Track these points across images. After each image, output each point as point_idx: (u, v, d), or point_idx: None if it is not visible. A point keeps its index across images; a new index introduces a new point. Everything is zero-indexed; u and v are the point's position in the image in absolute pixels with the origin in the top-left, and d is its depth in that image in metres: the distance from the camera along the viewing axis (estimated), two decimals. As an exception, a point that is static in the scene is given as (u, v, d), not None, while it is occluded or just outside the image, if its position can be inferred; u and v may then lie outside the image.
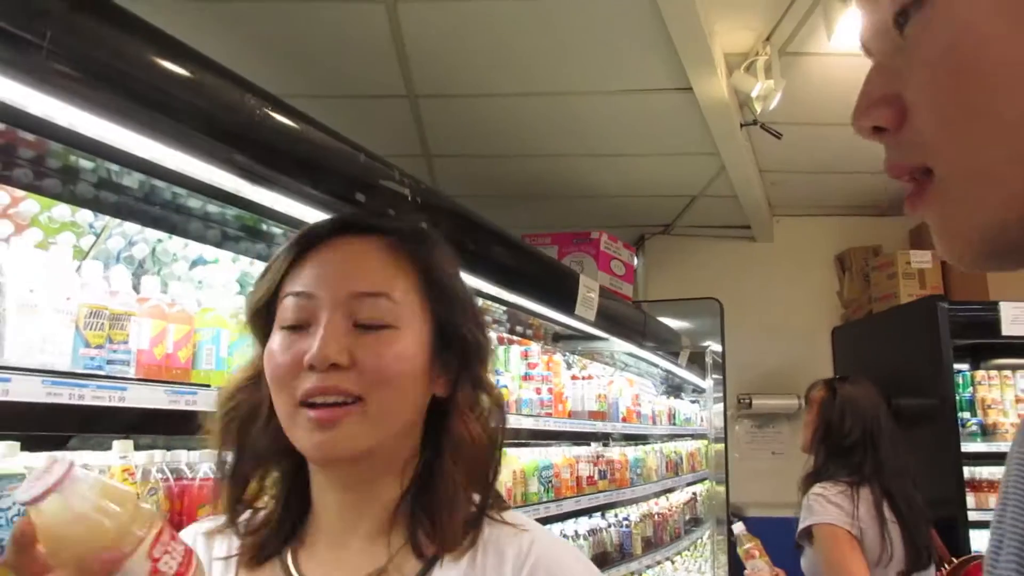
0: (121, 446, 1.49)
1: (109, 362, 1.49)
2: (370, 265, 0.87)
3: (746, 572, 2.66)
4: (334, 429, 0.80)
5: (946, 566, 2.79)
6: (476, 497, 0.89)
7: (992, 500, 3.96)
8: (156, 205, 1.88)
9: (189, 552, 0.70)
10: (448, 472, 0.86)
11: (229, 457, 0.90)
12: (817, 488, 2.51)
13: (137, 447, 1.55)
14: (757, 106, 3.03)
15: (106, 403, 1.40)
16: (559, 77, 3.19)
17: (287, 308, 0.85)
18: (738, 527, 2.73)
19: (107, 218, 1.92)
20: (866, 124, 0.50)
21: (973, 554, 2.94)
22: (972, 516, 3.84)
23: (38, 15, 1.15)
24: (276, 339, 0.85)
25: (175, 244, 2.11)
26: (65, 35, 1.19)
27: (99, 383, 1.40)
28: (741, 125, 3.50)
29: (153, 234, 2.04)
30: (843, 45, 3.04)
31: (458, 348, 0.90)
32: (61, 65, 1.21)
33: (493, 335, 3.83)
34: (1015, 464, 0.58)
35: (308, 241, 0.88)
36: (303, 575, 0.87)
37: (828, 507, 2.44)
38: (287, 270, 0.87)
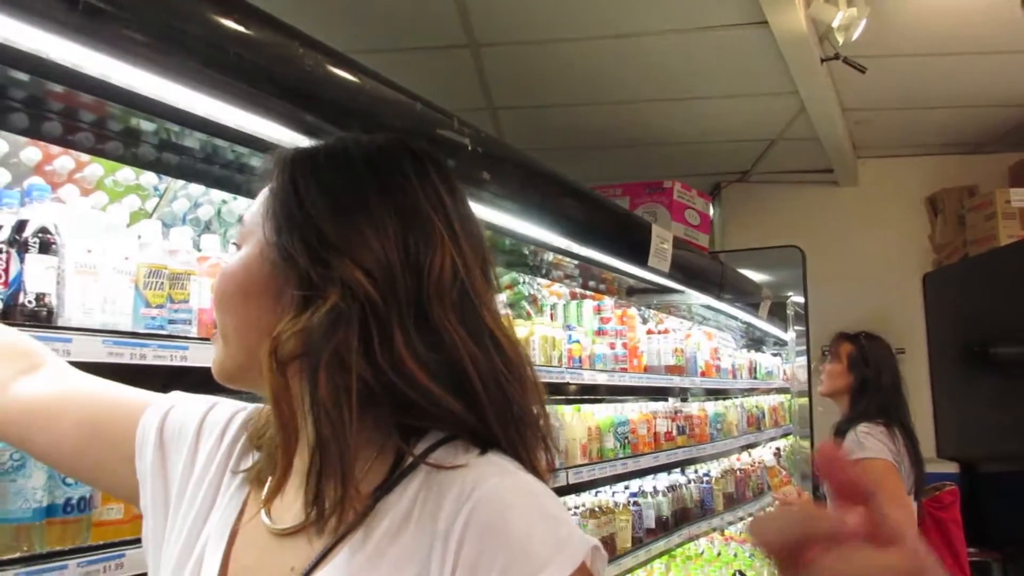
0: (187, 406, 1.49)
1: (171, 322, 1.48)
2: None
3: (777, 496, 3.20)
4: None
5: None
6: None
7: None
8: (218, 165, 1.86)
9: None
10: (314, 427, 0.76)
11: None
12: (863, 427, 2.87)
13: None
14: (839, 37, 2.84)
15: (168, 362, 1.40)
16: (624, 17, 3.05)
17: None
18: (768, 459, 3.29)
19: (171, 180, 1.93)
20: None
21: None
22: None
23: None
24: None
25: (240, 205, 2.10)
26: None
27: (160, 342, 1.39)
28: (822, 60, 3.31)
29: (218, 195, 2.04)
30: (935, -35, 2.81)
31: (292, 270, 0.79)
32: (125, 29, 1.20)
33: (565, 290, 3.78)
34: None
35: None
36: (271, 509, 0.83)
37: (877, 444, 2.81)
38: None
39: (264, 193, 0.85)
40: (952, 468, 4.41)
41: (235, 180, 1.91)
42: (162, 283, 1.47)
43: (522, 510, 0.72)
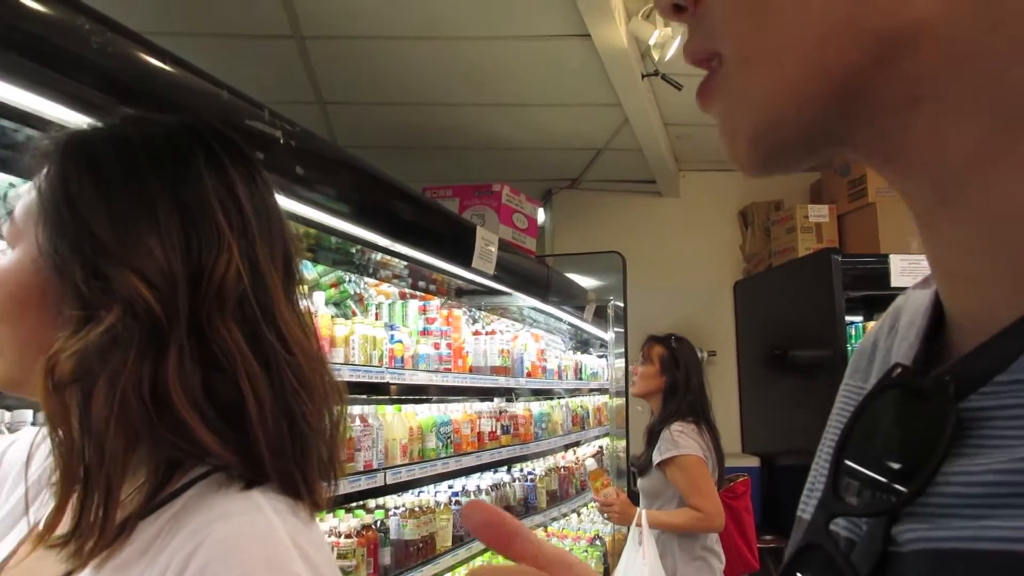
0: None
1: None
2: None
3: (599, 499, 3.19)
4: None
5: None
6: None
7: (878, 446, 4.13)
8: (2, 147, 1.71)
9: None
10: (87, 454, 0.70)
11: None
12: (677, 426, 3.07)
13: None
14: (655, 54, 2.98)
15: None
16: (448, 20, 3.06)
17: None
18: (590, 463, 3.44)
19: (-59, 160, 1.75)
20: (665, 1, 0.44)
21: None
22: (860, 462, 3.98)
23: None
24: None
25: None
26: None
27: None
28: (642, 75, 3.46)
29: (4, 179, 1.87)
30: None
31: (66, 284, 0.72)
32: None
33: (394, 290, 3.75)
34: (840, 402, 0.54)
35: None
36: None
37: (690, 441, 3.02)
38: None
39: (33, 186, 0.76)
40: (754, 462, 4.73)
41: (24, 163, 1.76)
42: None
43: (245, 558, 0.66)
